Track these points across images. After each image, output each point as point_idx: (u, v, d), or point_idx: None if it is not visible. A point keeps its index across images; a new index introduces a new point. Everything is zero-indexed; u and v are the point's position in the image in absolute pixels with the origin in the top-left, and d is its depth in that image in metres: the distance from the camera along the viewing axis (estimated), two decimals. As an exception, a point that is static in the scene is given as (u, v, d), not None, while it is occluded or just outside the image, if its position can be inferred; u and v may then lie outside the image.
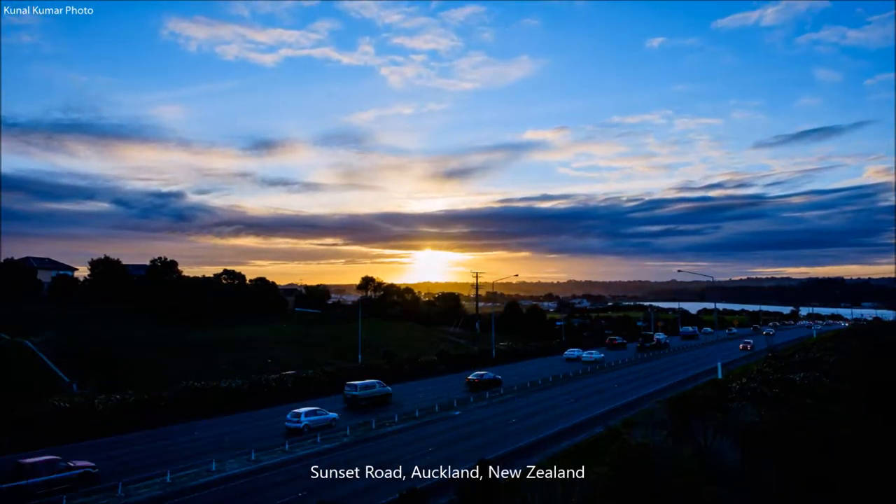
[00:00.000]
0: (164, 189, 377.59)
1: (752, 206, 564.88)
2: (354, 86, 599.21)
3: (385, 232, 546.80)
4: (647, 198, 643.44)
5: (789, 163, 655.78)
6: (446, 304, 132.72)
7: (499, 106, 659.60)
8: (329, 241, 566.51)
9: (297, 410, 37.43)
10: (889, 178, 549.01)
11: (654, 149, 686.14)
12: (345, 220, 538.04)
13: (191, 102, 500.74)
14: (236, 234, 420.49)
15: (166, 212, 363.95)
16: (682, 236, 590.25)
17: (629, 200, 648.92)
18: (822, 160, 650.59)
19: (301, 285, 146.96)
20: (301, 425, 36.16)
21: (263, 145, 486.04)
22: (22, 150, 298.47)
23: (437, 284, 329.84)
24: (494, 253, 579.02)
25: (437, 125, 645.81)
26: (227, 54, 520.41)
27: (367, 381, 48.12)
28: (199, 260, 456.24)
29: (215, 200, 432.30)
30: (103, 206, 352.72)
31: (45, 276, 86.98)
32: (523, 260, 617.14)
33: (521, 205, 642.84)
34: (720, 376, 53.95)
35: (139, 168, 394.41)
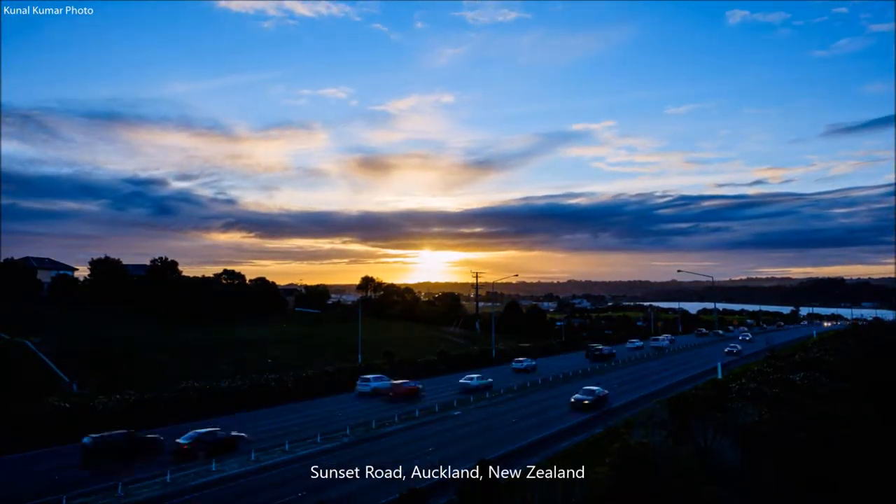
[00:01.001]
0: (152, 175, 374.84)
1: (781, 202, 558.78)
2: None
3: (393, 230, 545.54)
4: (679, 194, 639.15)
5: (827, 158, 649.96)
6: (446, 304, 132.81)
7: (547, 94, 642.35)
8: (334, 240, 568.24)
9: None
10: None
11: (697, 144, 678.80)
12: (352, 217, 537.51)
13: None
14: (234, 231, 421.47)
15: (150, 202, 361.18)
16: (709, 234, 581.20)
17: (661, 196, 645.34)
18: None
19: (301, 285, 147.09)
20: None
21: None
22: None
23: (436, 284, 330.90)
24: (504, 252, 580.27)
25: (470, 115, 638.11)
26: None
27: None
28: (199, 260, 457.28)
29: (205, 191, 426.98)
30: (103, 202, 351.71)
31: (45, 276, 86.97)
32: (532, 258, 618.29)
33: (541, 202, 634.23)
34: (720, 376, 53.97)
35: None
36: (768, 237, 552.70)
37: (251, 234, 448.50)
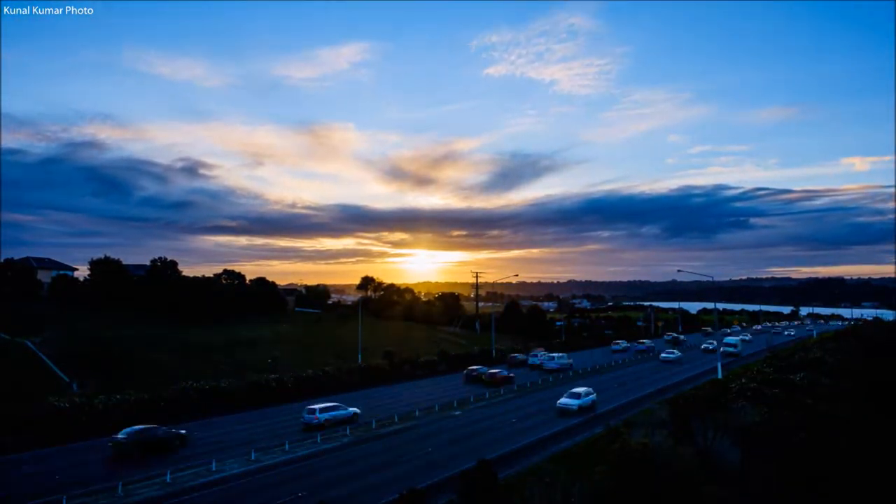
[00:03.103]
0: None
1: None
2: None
3: (402, 228, 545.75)
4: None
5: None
6: (446, 304, 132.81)
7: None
8: (339, 240, 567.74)
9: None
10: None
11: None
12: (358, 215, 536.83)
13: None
14: (236, 232, 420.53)
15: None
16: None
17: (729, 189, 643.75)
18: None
19: (301, 285, 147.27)
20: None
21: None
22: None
23: (436, 284, 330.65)
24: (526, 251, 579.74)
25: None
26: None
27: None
28: (199, 259, 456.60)
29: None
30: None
31: (45, 276, 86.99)
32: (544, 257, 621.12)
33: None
34: (720, 376, 53.98)
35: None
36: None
37: (252, 233, 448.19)
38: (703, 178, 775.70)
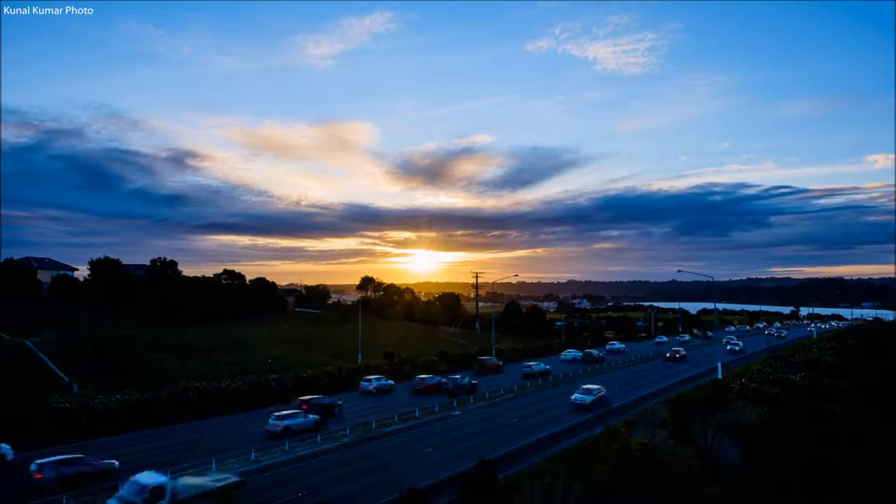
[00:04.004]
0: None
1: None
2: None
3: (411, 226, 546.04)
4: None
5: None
6: (446, 304, 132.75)
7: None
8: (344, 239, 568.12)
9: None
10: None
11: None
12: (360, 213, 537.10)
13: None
14: (236, 231, 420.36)
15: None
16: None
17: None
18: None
19: (301, 285, 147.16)
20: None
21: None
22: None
23: (436, 284, 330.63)
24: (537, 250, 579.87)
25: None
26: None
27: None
28: (199, 259, 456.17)
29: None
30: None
31: (45, 276, 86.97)
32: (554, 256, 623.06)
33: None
34: (720, 376, 53.97)
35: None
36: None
37: (252, 233, 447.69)
38: (722, 175, 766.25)
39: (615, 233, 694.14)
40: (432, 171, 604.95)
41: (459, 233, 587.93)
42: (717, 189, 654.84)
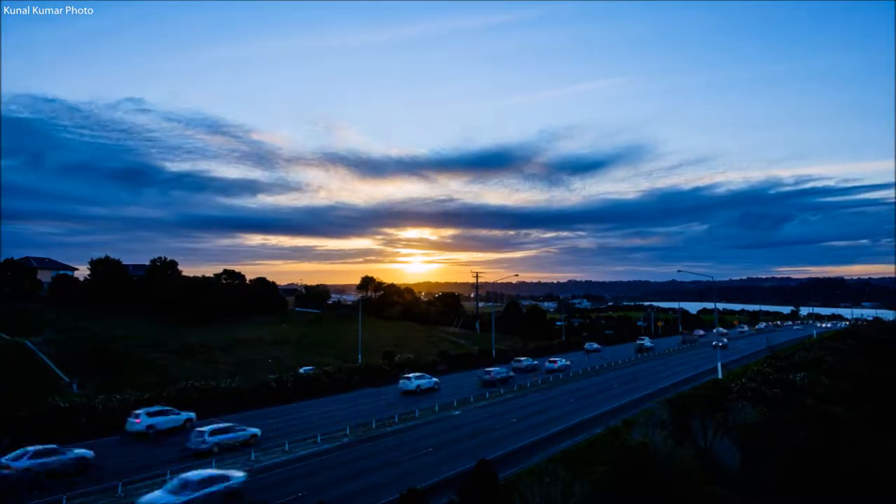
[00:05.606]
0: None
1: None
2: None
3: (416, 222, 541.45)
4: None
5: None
6: (446, 304, 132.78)
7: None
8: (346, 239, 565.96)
9: None
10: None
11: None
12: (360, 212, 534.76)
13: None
14: (238, 231, 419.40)
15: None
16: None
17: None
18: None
19: (301, 285, 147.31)
20: None
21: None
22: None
23: (436, 284, 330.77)
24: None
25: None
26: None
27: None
28: (200, 259, 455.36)
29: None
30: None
31: (45, 276, 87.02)
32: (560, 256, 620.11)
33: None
34: (720, 376, 53.97)
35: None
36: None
37: (253, 233, 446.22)
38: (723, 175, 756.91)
39: (616, 233, 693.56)
40: (433, 171, 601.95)
41: (462, 232, 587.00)
42: (717, 189, 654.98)
